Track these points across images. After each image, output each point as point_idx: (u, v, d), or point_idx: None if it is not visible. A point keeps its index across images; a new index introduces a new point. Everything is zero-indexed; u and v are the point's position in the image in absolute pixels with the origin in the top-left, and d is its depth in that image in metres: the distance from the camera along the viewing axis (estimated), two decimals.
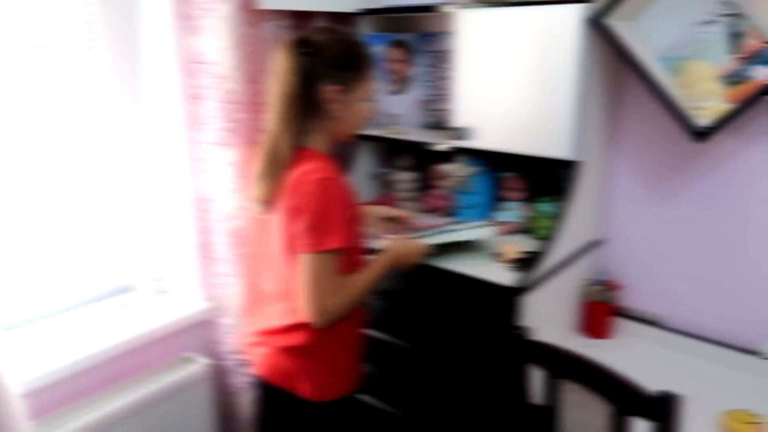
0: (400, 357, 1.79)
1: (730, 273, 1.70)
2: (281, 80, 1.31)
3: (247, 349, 1.50)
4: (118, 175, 1.84)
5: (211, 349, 1.99)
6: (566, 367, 1.31)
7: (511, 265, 1.59)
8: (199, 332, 1.97)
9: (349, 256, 1.35)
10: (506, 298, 1.50)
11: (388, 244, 1.50)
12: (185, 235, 1.89)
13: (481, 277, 1.55)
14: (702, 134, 1.46)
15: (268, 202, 1.34)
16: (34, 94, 1.62)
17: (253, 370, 1.46)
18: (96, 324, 1.80)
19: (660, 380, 1.25)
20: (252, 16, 1.73)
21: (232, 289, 1.87)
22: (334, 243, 1.27)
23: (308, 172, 1.28)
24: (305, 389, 1.38)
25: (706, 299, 1.75)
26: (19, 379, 1.50)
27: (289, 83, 1.30)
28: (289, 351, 1.38)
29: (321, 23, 1.98)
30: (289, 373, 1.39)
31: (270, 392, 1.43)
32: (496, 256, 1.65)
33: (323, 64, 1.30)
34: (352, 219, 1.35)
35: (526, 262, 1.57)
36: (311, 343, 1.36)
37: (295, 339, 1.36)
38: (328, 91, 1.31)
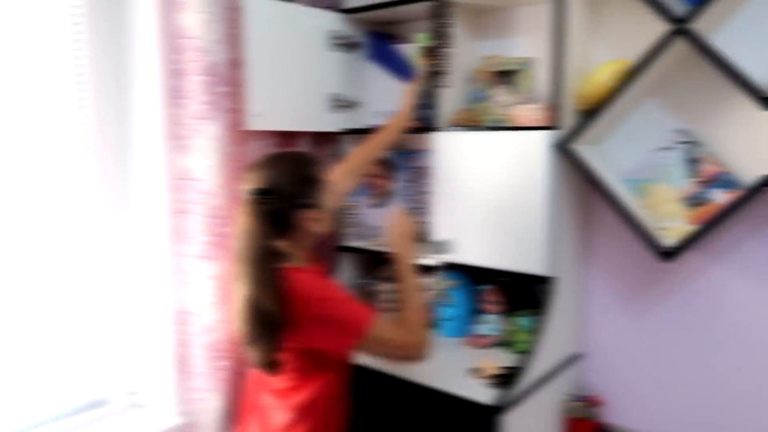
0: None
1: (707, 387, 1.70)
2: (251, 237, 1.31)
3: None
4: (97, 284, 1.85)
5: None
6: None
7: (490, 381, 1.58)
8: None
9: None
10: (485, 417, 1.48)
11: (390, 246, 1.53)
12: (162, 347, 1.87)
13: (459, 394, 1.53)
14: (668, 254, 1.52)
15: (271, 363, 1.31)
16: (18, 196, 1.65)
17: None
18: None
19: None
20: (239, 136, 1.82)
21: (208, 405, 1.83)
22: (369, 319, 1.32)
23: (297, 288, 1.31)
24: None
25: (686, 414, 1.74)
26: None
27: (260, 236, 1.31)
28: None
29: (305, 142, 2.09)
30: None
31: None
32: (474, 372, 1.64)
33: (290, 198, 1.33)
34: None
35: (506, 378, 1.57)
36: None
37: None
38: (306, 217, 1.35)
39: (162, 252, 1.83)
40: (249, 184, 1.35)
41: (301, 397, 1.38)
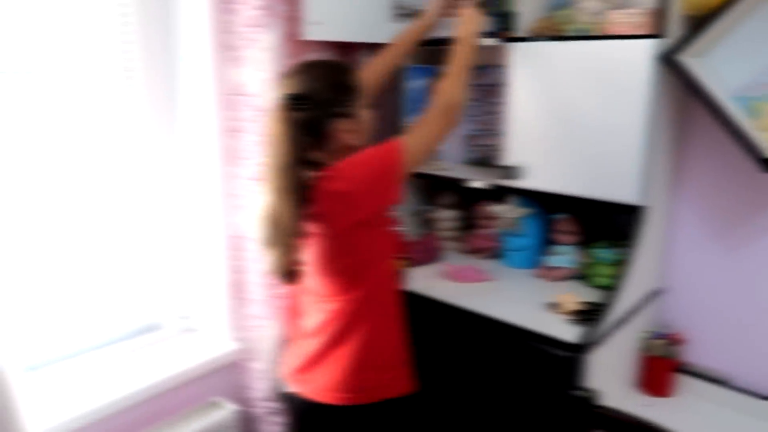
0: (450, 418, 1.66)
1: None
2: (282, 145, 1.24)
3: (299, 377, 1.41)
4: (148, 208, 1.76)
5: (239, 395, 1.87)
6: None
7: (571, 318, 1.47)
8: (227, 376, 1.86)
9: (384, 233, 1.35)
10: (569, 355, 1.37)
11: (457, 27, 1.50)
12: (216, 273, 1.80)
13: (540, 331, 1.42)
14: None
15: (287, 273, 1.27)
16: (65, 121, 1.55)
17: (308, 394, 1.38)
18: (120, 365, 1.70)
19: None
20: (296, 47, 1.65)
21: (264, 332, 1.77)
22: (395, 145, 1.27)
23: (338, 177, 1.25)
24: (365, 395, 1.34)
25: None
26: (40, 424, 1.40)
27: (291, 144, 1.23)
28: (344, 361, 1.33)
29: (364, 54, 1.91)
30: (348, 385, 1.34)
31: (331, 411, 1.35)
32: (553, 307, 1.53)
33: (324, 106, 1.26)
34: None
35: (588, 314, 1.45)
36: (362, 342, 1.32)
37: (348, 344, 1.32)
38: (340, 127, 1.28)
39: (214, 174, 1.72)
40: (282, 90, 1.27)
41: (354, 298, 1.32)
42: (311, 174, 1.25)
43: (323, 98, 1.26)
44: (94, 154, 1.63)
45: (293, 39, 1.63)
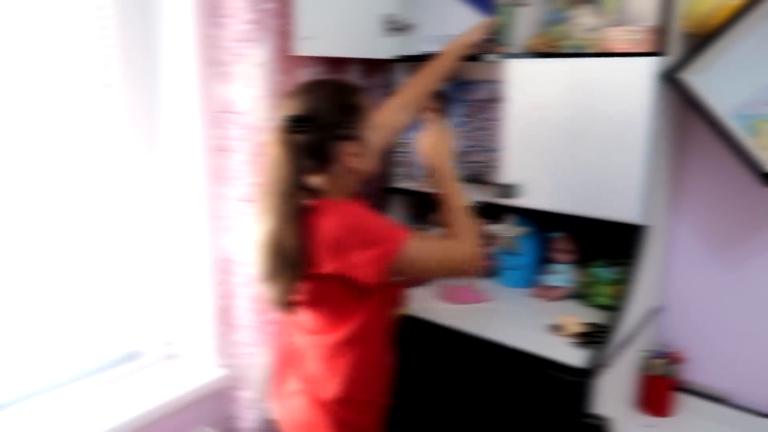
0: None
1: None
2: (281, 169, 1.17)
3: (277, 402, 1.37)
4: (129, 229, 1.67)
5: (227, 425, 1.79)
6: None
7: (576, 340, 1.43)
8: (214, 405, 1.77)
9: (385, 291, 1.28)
10: (578, 381, 1.33)
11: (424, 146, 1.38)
12: (202, 297, 1.72)
13: (545, 355, 1.38)
14: None
15: (287, 303, 1.20)
16: (41, 137, 1.46)
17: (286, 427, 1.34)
18: (99, 397, 1.60)
19: None
20: (287, 62, 1.59)
21: (254, 360, 1.69)
22: (398, 240, 1.17)
23: (328, 216, 1.18)
24: None
25: None
26: None
27: (291, 169, 1.17)
28: (322, 396, 1.28)
29: (356, 70, 1.86)
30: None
31: None
32: (555, 329, 1.49)
33: (328, 128, 1.19)
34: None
35: (593, 337, 1.42)
36: (345, 394, 1.27)
37: (331, 390, 1.27)
38: (345, 150, 1.21)
39: (199, 194, 1.64)
40: (285, 110, 1.21)
41: (339, 334, 1.26)
42: (308, 200, 1.19)
43: (327, 120, 1.19)
44: (72, 173, 1.54)
45: (284, 54, 1.57)
